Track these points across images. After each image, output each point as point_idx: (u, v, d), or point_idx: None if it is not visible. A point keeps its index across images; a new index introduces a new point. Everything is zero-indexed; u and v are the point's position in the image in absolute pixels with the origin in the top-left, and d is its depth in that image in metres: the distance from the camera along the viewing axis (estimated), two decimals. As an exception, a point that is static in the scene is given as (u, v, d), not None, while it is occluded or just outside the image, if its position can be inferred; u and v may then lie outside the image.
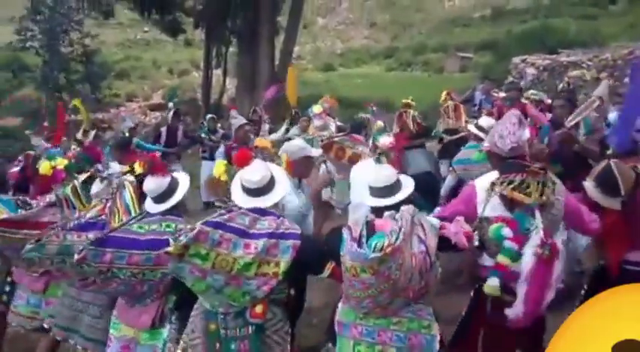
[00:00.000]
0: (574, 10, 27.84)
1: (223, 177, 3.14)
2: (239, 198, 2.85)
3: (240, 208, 2.76)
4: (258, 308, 2.59)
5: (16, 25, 18.05)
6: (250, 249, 2.52)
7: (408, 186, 2.85)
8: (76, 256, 2.72)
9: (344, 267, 2.51)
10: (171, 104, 10.52)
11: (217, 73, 22.01)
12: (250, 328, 2.62)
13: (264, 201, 2.80)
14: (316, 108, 7.41)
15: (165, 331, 2.97)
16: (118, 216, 3.30)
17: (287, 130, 8.07)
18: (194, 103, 22.04)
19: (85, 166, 4.47)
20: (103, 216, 3.32)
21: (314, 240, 2.91)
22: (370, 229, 2.53)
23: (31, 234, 3.32)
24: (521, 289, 2.58)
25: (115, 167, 4.92)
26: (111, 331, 3.08)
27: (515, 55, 16.30)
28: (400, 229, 2.42)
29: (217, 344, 2.64)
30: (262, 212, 2.72)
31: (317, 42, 45.82)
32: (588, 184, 3.01)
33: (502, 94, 9.09)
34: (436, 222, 2.68)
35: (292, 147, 3.99)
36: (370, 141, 4.22)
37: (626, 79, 11.83)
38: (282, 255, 2.56)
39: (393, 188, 2.78)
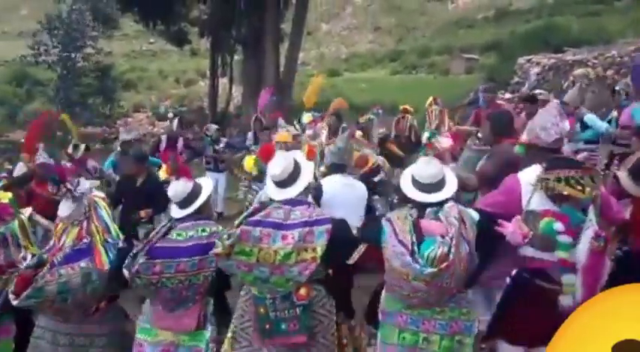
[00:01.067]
0: (578, 8, 27.66)
1: (254, 171, 3.32)
2: (271, 190, 3.04)
3: (272, 201, 2.98)
4: (303, 291, 2.81)
5: (27, 39, 18.29)
6: (288, 240, 2.72)
7: (452, 182, 2.92)
8: (126, 272, 2.86)
9: (390, 265, 2.67)
10: (171, 114, 10.39)
11: (223, 81, 22.13)
12: (298, 309, 2.82)
13: (293, 190, 2.96)
14: (305, 118, 7.47)
15: (208, 332, 3.05)
16: (100, 236, 3.19)
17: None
18: (201, 112, 22.18)
19: (53, 184, 4.17)
20: (85, 240, 3.14)
21: (344, 227, 2.99)
22: (418, 232, 2.69)
23: None
24: (578, 280, 2.70)
25: (85, 184, 4.80)
26: (140, 337, 3.13)
27: (520, 55, 16.25)
28: (451, 239, 2.56)
29: (267, 325, 2.86)
30: (293, 202, 2.91)
31: (321, 47, 45.88)
32: (622, 174, 3.19)
33: (507, 95, 9.11)
34: (475, 214, 2.84)
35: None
36: (425, 140, 4.22)
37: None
38: (318, 240, 2.75)
39: (440, 184, 2.86)
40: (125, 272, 2.89)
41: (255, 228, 2.73)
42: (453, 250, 2.52)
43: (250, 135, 8.68)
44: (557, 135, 3.01)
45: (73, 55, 18.33)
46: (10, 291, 2.96)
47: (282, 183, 2.97)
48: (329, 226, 2.78)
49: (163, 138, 8.50)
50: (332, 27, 50.18)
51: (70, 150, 7.08)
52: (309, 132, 7.18)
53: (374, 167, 4.97)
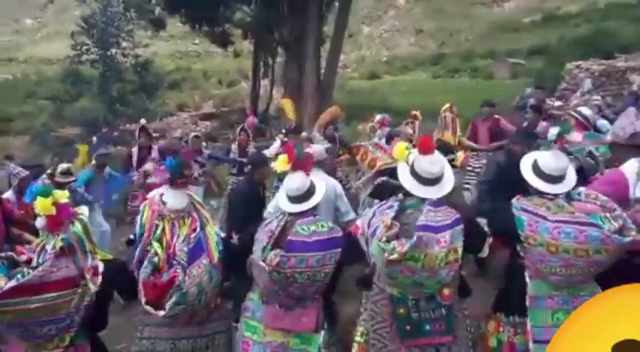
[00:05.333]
0: (629, 12, 26.66)
1: (403, 159, 2.99)
2: (411, 186, 2.88)
3: (407, 199, 2.88)
4: (447, 291, 2.79)
5: (72, 39, 18.92)
6: (442, 244, 2.66)
7: (573, 174, 3.00)
8: (263, 264, 2.77)
9: (553, 249, 2.73)
10: (193, 133, 10.12)
11: (265, 82, 22.42)
12: (443, 310, 2.81)
13: (439, 190, 2.86)
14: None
15: (321, 336, 2.96)
16: (211, 227, 3.02)
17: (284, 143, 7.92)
18: (243, 113, 22.52)
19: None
20: (193, 235, 2.89)
21: (474, 224, 2.96)
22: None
23: (48, 300, 2.52)
24: None
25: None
26: (247, 335, 3.06)
27: (569, 61, 15.79)
28: (622, 213, 2.72)
29: (408, 327, 2.81)
30: (435, 203, 2.81)
31: (362, 50, 45.94)
32: None
33: (557, 103, 8.90)
34: None
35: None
36: (552, 136, 4.21)
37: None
38: (457, 240, 2.71)
39: (564, 176, 2.95)
40: (262, 264, 2.79)
41: (425, 233, 2.65)
42: (629, 221, 2.66)
43: (234, 147, 8.12)
44: (632, 131, 3.36)
45: (110, 52, 18.81)
46: (144, 303, 2.66)
47: (431, 182, 2.86)
48: (462, 225, 2.75)
49: None
50: (373, 29, 50.11)
51: (58, 170, 6.12)
52: (379, 132, 7.35)
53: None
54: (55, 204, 2.67)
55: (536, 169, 2.99)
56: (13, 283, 2.45)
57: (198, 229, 2.91)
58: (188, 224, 2.92)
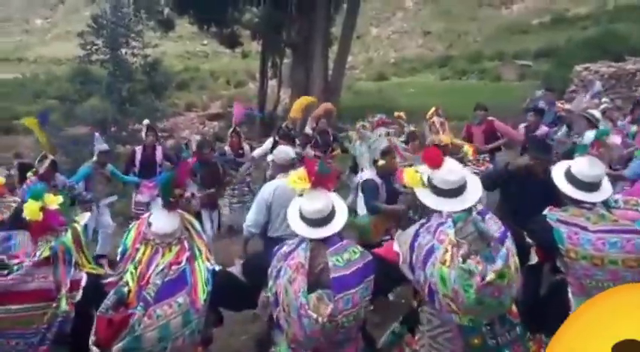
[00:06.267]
0: (639, 14, 26.57)
1: (419, 186, 2.65)
2: (435, 203, 2.56)
3: (441, 214, 2.50)
4: (514, 307, 2.56)
5: (81, 39, 19.06)
6: (509, 256, 2.35)
7: (608, 182, 2.82)
8: (314, 315, 2.22)
9: (591, 262, 2.55)
10: (197, 137, 9.98)
11: (272, 83, 22.45)
12: (518, 328, 2.56)
13: (463, 202, 2.52)
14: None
15: None
16: (201, 261, 2.55)
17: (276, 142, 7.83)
18: (249, 113, 22.55)
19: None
20: (174, 267, 2.42)
21: (519, 233, 2.67)
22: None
23: (13, 311, 2.29)
24: None
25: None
26: None
27: (577, 63, 15.75)
28: None
29: None
30: (483, 212, 2.52)
31: (370, 51, 45.91)
32: None
33: (567, 106, 8.91)
34: None
35: (281, 154, 4.45)
36: (588, 139, 4.11)
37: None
38: (514, 247, 2.42)
39: (600, 184, 2.76)
40: (313, 316, 2.23)
41: (502, 246, 2.34)
42: None
43: (227, 149, 7.83)
44: None
45: (120, 52, 18.91)
46: (90, 342, 2.24)
47: (454, 192, 2.53)
48: (510, 233, 2.47)
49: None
50: (381, 31, 50.07)
51: (36, 162, 6.07)
52: (374, 132, 7.41)
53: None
54: (42, 209, 2.47)
55: (570, 177, 2.78)
56: None
57: (184, 261, 2.45)
58: (174, 252, 2.47)
